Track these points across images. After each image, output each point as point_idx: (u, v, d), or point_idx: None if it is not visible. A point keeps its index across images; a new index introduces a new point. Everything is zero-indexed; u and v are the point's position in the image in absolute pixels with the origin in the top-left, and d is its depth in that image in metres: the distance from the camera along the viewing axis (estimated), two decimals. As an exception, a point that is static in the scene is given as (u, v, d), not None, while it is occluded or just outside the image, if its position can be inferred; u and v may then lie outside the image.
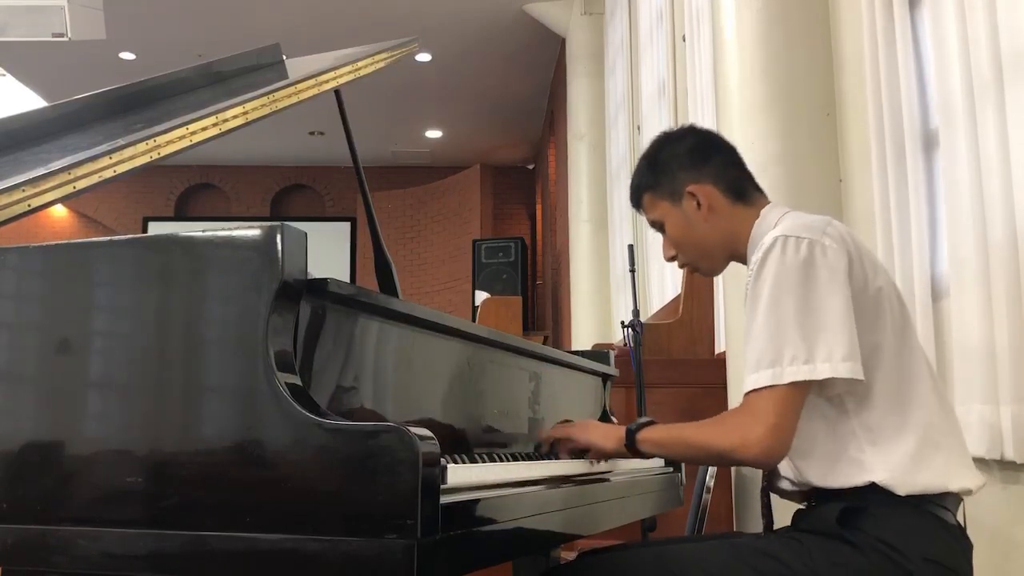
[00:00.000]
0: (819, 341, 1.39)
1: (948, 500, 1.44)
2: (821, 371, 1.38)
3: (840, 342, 1.39)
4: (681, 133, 1.70)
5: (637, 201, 1.72)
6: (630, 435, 1.57)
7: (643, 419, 1.59)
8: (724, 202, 1.63)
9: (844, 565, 1.37)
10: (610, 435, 1.62)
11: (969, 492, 1.46)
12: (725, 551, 1.45)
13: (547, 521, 1.34)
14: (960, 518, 1.46)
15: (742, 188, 1.65)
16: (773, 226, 1.54)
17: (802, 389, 1.41)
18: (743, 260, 1.65)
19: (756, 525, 2.91)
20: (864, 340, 1.43)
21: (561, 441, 1.71)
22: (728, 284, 3.20)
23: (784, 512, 1.61)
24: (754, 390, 1.41)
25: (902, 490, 1.40)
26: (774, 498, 1.64)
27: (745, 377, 1.44)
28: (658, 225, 1.70)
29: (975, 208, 2.10)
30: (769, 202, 1.65)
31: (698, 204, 1.62)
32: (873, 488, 1.41)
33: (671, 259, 1.71)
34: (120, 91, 1.96)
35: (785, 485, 1.60)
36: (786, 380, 1.38)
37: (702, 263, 1.70)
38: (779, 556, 1.40)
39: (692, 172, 1.64)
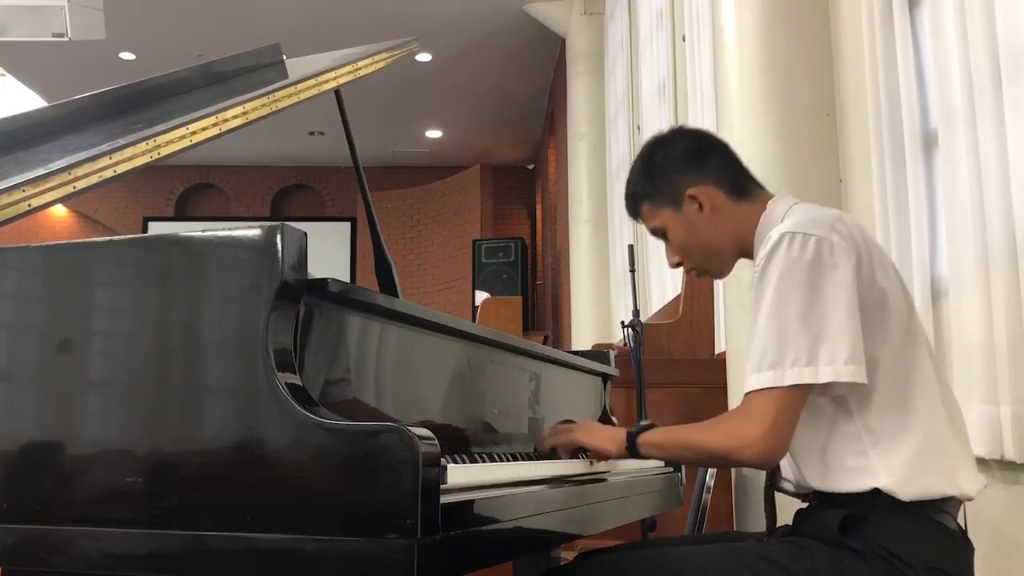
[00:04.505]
0: (823, 343, 1.37)
1: (949, 504, 1.43)
2: (823, 374, 1.36)
3: (844, 345, 1.37)
4: (671, 136, 1.66)
5: (635, 211, 1.68)
6: (631, 438, 1.57)
7: (643, 423, 1.59)
8: (726, 201, 1.60)
9: (846, 572, 1.37)
10: (612, 439, 1.61)
11: (970, 498, 1.45)
12: (726, 555, 1.45)
13: (547, 521, 1.34)
14: (961, 520, 1.46)
15: (742, 184, 1.62)
16: (780, 219, 1.51)
17: (802, 391, 1.39)
18: (751, 256, 1.62)
19: (756, 525, 2.91)
20: (868, 342, 1.41)
21: (563, 444, 1.71)
22: (728, 284, 3.20)
23: (785, 511, 1.61)
24: (755, 391, 1.40)
25: (905, 495, 1.39)
26: (777, 496, 1.64)
27: (747, 376, 1.43)
28: (660, 232, 1.66)
29: (975, 208, 2.10)
30: (772, 195, 1.62)
31: (700, 206, 1.59)
32: (876, 494, 1.40)
33: (676, 265, 1.67)
34: (120, 91, 1.96)
35: (787, 487, 1.59)
36: (787, 383, 1.37)
37: (710, 266, 1.66)
38: (780, 561, 1.39)
39: (691, 175, 1.60)
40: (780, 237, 1.42)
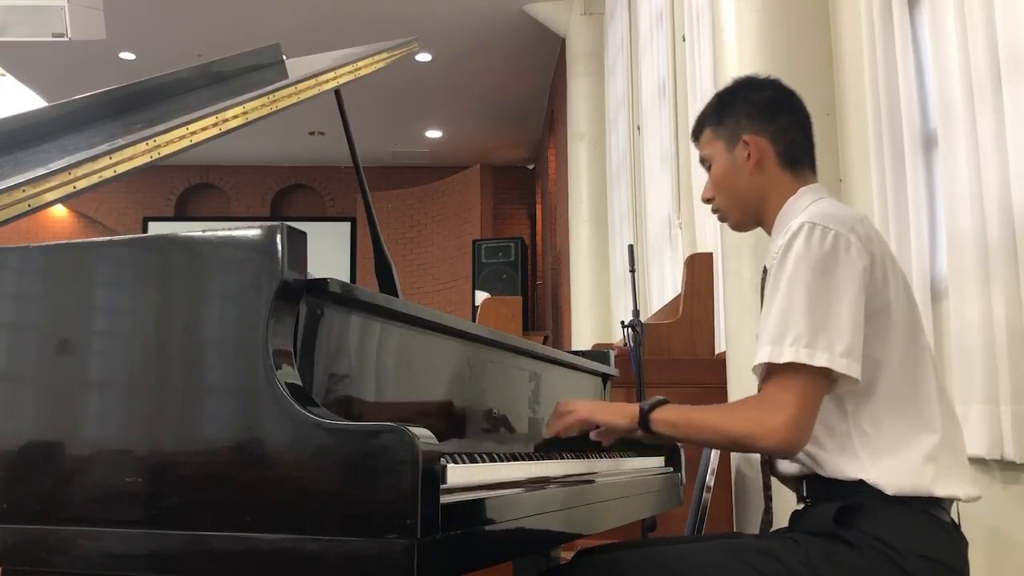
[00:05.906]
0: (821, 331, 1.39)
1: (942, 500, 1.44)
2: (818, 359, 1.38)
3: (842, 337, 1.39)
4: (763, 82, 1.71)
5: (698, 132, 1.73)
6: (643, 415, 1.55)
7: (655, 398, 1.57)
8: (774, 163, 1.63)
9: (842, 564, 1.38)
10: (623, 412, 1.60)
11: (959, 499, 1.46)
12: (723, 551, 1.46)
13: (547, 521, 1.34)
14: (954, 515, 1.47)
15: (797, 156, 1.64)
16: (803, 209, 1.54)
17: (820, 382, 1.41)
18: (766, 227, 1.66)
19: (756, 525, 2.91)
20: (869, 347, 1.43)
21: (571, 425, 1.67)
22: (728, 284, 3.20)
23: (782, 512, 1.61)
24: (776, 379, 1.42)
25: (890, 491, 1.41)
26: (773, 498, 1.65)
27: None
28: (707, 163, 1.71)
29: (974, 208, 2.10)
30: (814, 181, 1.65)
31: (748, 155, 1.63)
32: (862, 484, 1.42)
33: (708, 201, 1.72)
34: (120, 91, 1.96)
35: (784, 467, 1.60)
36: (783, 359, 1.39)
37: (732, 214, 1.70)
38: (777, 556, 1.41)
39: (755, 123, 1.64)
40: (800, 226, 1.45)
